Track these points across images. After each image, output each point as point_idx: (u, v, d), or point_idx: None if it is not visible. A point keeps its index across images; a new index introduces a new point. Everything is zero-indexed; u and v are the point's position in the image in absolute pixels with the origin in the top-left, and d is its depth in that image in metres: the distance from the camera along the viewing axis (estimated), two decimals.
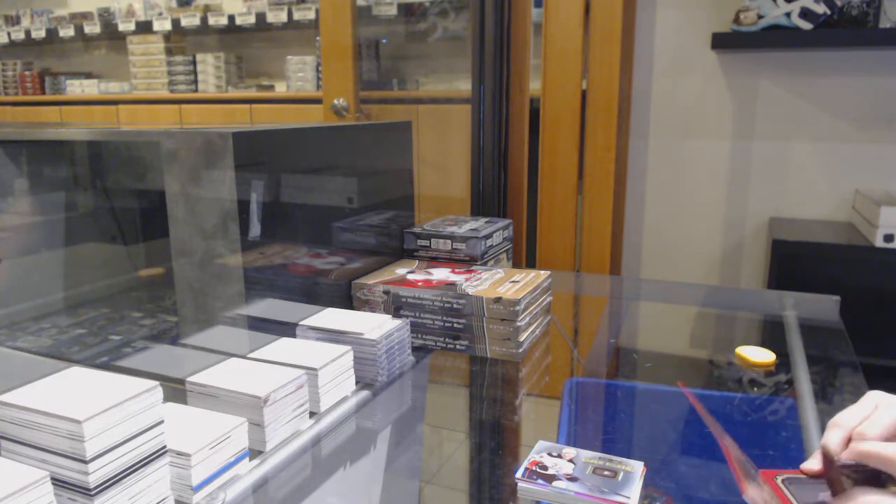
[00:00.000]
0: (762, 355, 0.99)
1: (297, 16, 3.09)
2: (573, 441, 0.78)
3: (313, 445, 0.76)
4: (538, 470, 0.65)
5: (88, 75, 3.83)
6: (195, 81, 3.38)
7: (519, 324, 0.98)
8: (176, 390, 0.74)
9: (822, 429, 0.79)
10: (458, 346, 1.02)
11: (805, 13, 1.74)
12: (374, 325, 0.90)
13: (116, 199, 1.26)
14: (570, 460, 0.66)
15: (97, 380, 0.59)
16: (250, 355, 0.83)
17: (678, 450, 0.81)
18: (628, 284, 1.66)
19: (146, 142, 1.12)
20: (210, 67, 3.34)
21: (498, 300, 0.98)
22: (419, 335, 1.04)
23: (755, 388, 0.92)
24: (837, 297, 1.21)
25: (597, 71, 1.92)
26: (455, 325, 1.01)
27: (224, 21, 3.28)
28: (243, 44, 3.48)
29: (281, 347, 0.86)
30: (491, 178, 1.97)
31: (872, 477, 0.54)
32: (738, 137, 2.01)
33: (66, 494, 0.55)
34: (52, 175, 1.18)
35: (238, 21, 3.24)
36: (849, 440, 0.56)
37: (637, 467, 0.65)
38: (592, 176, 1.98)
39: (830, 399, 0.98)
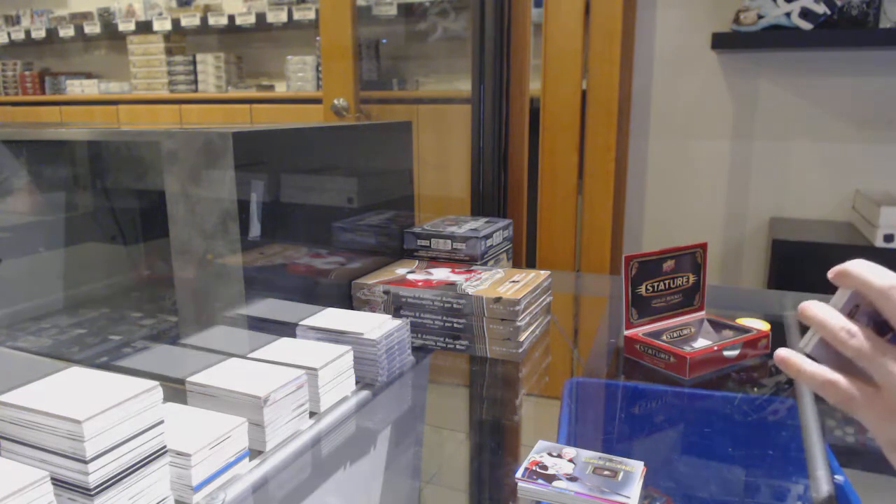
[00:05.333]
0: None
1: (297, 16, 3.09)
2: (573, 441, 0.78)
3: (313, 445, 0.76)
4: (538, 470, 0.65)
5: (88, 75, 3.83)
6: (195, 81, 3.38)
7: (519, 324, 0.98)
8: (176, 390, 0.74)
9: (823, 429, 0.79)
10: (458, 346, 1.02)
11: (805, 13, 1.74)
12: (374, 325, 0.90)
13: (116, 199, 1.26)
14: (570, 460, 0.66)
15: (97, 380, 0.59)
16: (250, 355, 0.83)
17: (678, 450, 0.81)
18: None
19: (146, 142, 1.12)
20: (210, 67, 3.34)
21: (498, 300, 0.98)
22: (419, 335, 1.04)
23: (755, 389, 0.92)
24: None
25: (597, 71, 1.92)
26: (455, 325, 1.01)
27: (224, 21, 3.28)
28: (243, 44, 3.48)
29: (281, 347, 0.86)
30: (491, 178, 1.97)
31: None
32: (738, 137, 2.01)
33: (66, 494, 0.55)
34: (52, 175, 1.18)
35: (238, 21, 3.24)
36: None
37: (637, 467, 0.65)
38: (592, 176, 1.98)
39: None
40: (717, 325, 1.05)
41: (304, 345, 0.87)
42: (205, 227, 0.86)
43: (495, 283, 1.05)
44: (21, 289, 1.14)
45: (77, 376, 0.60)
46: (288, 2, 3.11)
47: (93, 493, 0.54)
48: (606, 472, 0.64)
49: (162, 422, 0.59)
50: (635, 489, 0.62)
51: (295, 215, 0.97)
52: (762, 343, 1.00)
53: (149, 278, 1.32)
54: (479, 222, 1.31)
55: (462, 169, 2.11)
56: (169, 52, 3.42)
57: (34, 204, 1.16)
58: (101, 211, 1.26)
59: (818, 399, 0.86)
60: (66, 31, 3.68)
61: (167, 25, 3.42)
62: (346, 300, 1.08)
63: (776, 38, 1.79)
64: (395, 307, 1.05)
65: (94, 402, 0.54)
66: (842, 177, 1.93)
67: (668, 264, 1.04)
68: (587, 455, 0.67)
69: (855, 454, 0.88)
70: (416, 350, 1.01)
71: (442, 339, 1.03)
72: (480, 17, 1.89)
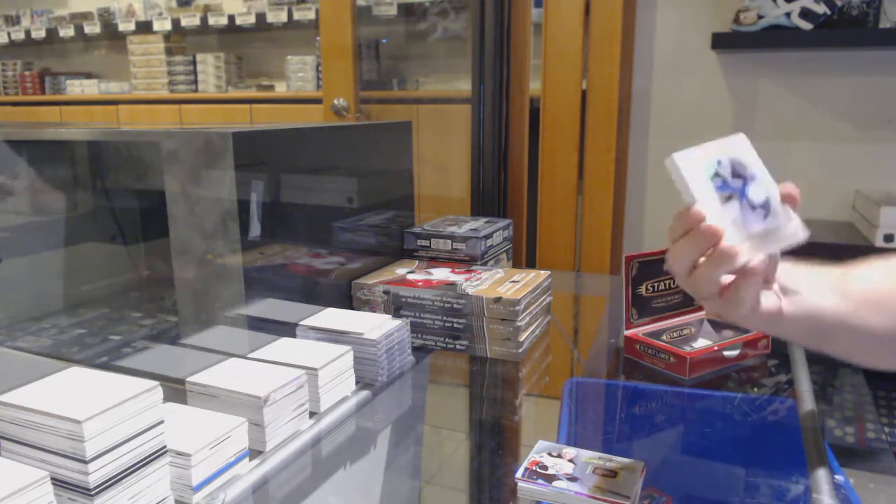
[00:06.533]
0: None
1: (297, 16, 3.09)
2: (573, 441, 0.78)
3: (313, 445, 0.76)
4: (538, 470, 0.65)
5: (88, 75, 3.83)
6: (195, 81, 3.38)
7: (519, 324, 0.98)
8: (176, 390, 0.74)
9: (822, 429, 0.79)
10: (458, 346, 1.02)
11: (805, 13, 1.74)
12: (374, 325, 0.90)
13: (116, 199, 1.26)
14: (570, 460, 0.66)
15: (97, 380, 0.59)
16: (250, 355, 0.83)
17: (678, 450, 0.81)
18: None
19: (146, 142, 1.12)
20: (210, 67, 3.34)
21: (498, 300, 0.98)
22: (419, 335, 1.04)
23: (755, 389, 0.92)
24: None
25: (597, 71, 1.92)
26: (455, 325, 1.01)
27: (224, 21, 3.28)
28: (243, 44, 3.48)
29: (281, 347, 0.86)
30: (491, 178, 1.97)
31: None
32: None
33: (66, 494, 0.55)
34: (52, 175, 1.18)
35: (238, 21, 3.24)
36: None
37: (637, 467, 0.65)
38: (592, 176, 1.98)
39: (830, 399, 0.98)
40: (718, 325, 1.05)
41: (304, 345, 0.87)
42: (205, 227, 0.86)
43: (495, 283, 1.05)
44: (21, 289, 1.14)
45: (77, 376, 0.60)
46: (288, 2, 3.11)
47: (93, 493, 0.54)
48: (606, 472, 0.64)
49: (162, 422, 0.59)
50: (635, 489, 0.62)
51: (295, 215, 0.97)
52: (762, 343, 1.00)
53: (149, 278, 1.32)
54: (479, 222, 1.31)
55: (462, 169, 2.11)
56: (169, 52, 3.42)
57: (34, 204, 1.16)
58: (101, 211, 1.26)
59: (818, 399, 0.87)
60: (66, 31, 3.68)
61: (167, 25, 3.41)
62: (346, 300, 1.08)
63: (776, 38, 1.79)
64: (395, 307, 1.05)
65: (94, 402, 0.54)
66: (842, 177, 1.93)
67: None
68: (587, 455, 0.67)
69: (855, 454, 0.88)
70: (416, 350, 1.01)
71: (442, 339, 1.03)
72: (480, 17, 1.89)
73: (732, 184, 0.55)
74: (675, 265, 0.56)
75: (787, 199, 0.56)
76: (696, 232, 0.53)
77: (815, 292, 0.60)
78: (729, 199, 0.55)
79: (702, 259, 0.54)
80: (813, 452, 0.73)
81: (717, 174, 0.55)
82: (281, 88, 3.31)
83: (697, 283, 0.55)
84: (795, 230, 0.56)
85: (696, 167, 0.55)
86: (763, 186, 0.56)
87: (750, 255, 0.53)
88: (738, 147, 0.56)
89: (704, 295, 0.57)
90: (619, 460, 0.66)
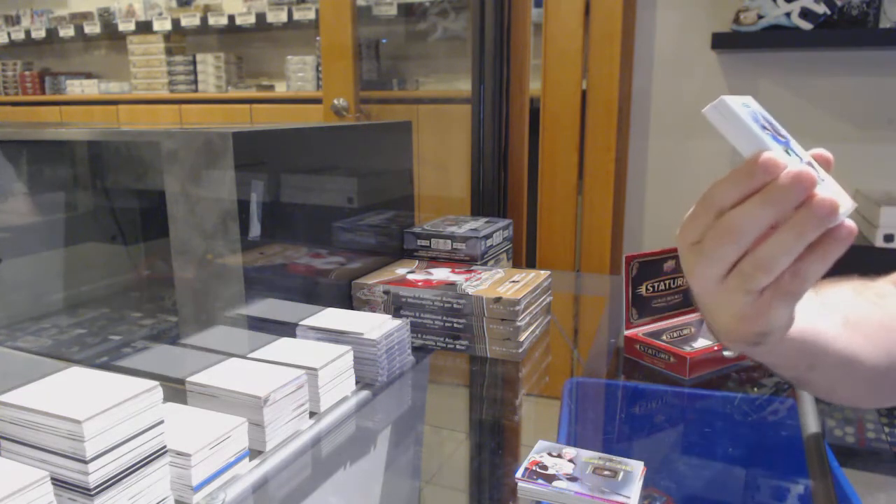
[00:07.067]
0: None
1: (297, 16, 3.09)
2: (573, 441, 0.78)
3: (313, 445, 0.76)
4: (538, 470, 0.65)
5: (88, 75, 3.83)
6: (195, 81, 3.38)
7: (519, 324, 0.98)
8: (176, 390, 0.74)
9: (822, 429, 0.79)
10: (458, 346, 1.02)
11: (805, 13, 1.74)
12: (374, 325, 0.90)
13: (116, 199, 1.26)
14: (570, 460, 0.66)
15: (97, 380, 0.59)
16: (250, 355, 0.83)
17: (678, 450, 0.81)
18: None
19: (146, 142, 1.12)
20: (210, 67, 3.34)
21: (498, 300, 0.98)
22: (419, 335, 1.04)
23: (755, 389, 0.92)
24: None
25: (597, 71, 1.92)
26: (455, 325, 1.01)
27: (224, 21, 3.28)
28: (243, 44, 3.48)
29: (281, 347, 0.86)
30: (491, 178, 1.97)
31: None
32: None
33: (66, 494, 0.55)
34: (52, 175, 1.18)
35: (238, 21, 3.24)
36: None
37: (637, 467, 0.65)
38: (592, 176, 1.98)
39: None
40: None
41: (304, 345, 0.87)
42: (205, 227, 0.86)
43: (495, 283, 1.05)
44: (21, 289, 1.14)
45: (77, 376, 0.60)
46: (288, 2, 3.11)
47: (93, 493, 0.54)
48: (606, 472, 0.64)
49: (162, 422, 0.59)
50: (635, 489, 0.62)
51: (295, 215, 0.97)
52: None
53: (149, 278, 1.32)
54: (479, 222, 1.31)
55: (462, 169, 2.11)
56: (169, 52, 3.42)
57: (34, 204, 1.16)
58: (101, 211, 1.26)
59: (818, 399, 0.86)
60: (66, 31, 3.68)
61: (167, 25, 3.42)
62: (346, 300, 1.08)
63: (776, 38, 1.79)
64: (395, 307, 1.05)
65: (94, 402, 0.54)
66: (842, 177, 1.90)
67: (669, 264, 1.04)
68: (587, 455, 0.67)
69: (855, 454, 0.88)
70: (416, 350, 1.01)
71: (442, 339, 1.03)
72: (480, 17, 1.89)
73: (780, 138, 0.44)
74: (735, 238, 0.43)
75: (821, 162, 0.46)
76: (779, 185, 0.41)
77: (802, 310, 0.52)
78: (786, 153, 0.42)
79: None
80: (813, 452, 0.73)
81: (763, 127, 0.43)
82: (281, 88, 3.31)
83: (764, 261, 0.42)
84: (847, 197, 0.44)
85: (746, 113, 0.43)
86: (798, 147, 0.45)
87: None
88: (758, 105, 0.46)
89: (760, 282, 0.43)
90: (619, 460, 0.66)
